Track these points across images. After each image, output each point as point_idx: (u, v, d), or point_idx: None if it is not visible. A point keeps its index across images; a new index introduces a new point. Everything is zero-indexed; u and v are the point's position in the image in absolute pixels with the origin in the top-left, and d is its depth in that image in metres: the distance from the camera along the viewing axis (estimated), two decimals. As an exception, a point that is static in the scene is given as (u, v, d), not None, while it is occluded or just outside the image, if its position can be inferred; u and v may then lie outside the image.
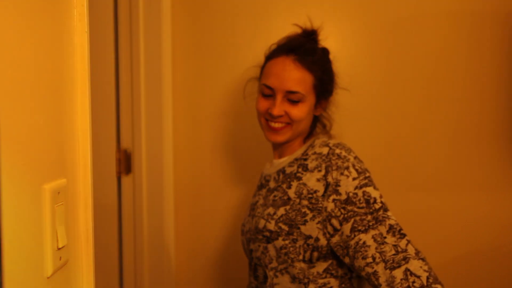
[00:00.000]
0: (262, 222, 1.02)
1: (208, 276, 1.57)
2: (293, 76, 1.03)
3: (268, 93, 1.06)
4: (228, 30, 1.49)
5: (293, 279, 0.99)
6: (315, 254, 0.97)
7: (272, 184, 1.08)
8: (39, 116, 0.56)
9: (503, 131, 1.45)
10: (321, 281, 0.98)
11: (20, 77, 0.51)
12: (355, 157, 1.00)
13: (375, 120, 1.48)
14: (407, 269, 0.83)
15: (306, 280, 0.98)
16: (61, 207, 0.60)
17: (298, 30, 1.14)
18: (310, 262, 0.98)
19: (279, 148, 1.13)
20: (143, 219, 1.43)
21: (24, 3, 0.52)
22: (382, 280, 0.84)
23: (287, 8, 1.47)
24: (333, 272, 0.98)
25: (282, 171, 1.07)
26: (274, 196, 1.04)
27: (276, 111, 1.03)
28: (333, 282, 0.98)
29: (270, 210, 1.02)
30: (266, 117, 1.07)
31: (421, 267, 0.83)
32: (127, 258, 1.45)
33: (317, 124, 1.15)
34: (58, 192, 0.59)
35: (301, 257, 0.97)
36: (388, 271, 0.84)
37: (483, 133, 1.46)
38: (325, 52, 1.13)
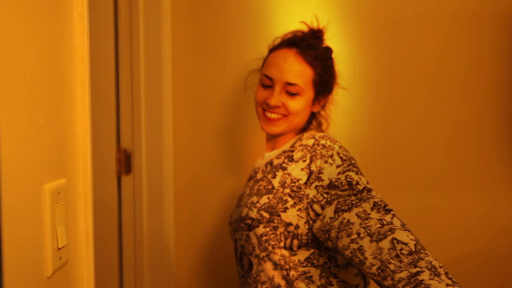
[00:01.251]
0: (245, 211, 1.03)
1: (208, 276, 1.57)
2: (293, 68, 1.04)
3: (267, 83, 1.08)
4: (229, 30, 1.49)
5: (275, 265, 1.00)
6: (295, 241, 0.97)
7: (259, 175, 1.10)
8: (39, 116, 0.56)
9: (503, 131, 1.45)
10: (301, 269, 0.99)
11: (20, 77, 0.51)
12: (340, 146, 1.01)
13: (375, 119, 1.48)
14: (393, 239, 0.81)
15: (287, 267, 0.99)
16: (61, 207, 0.60)
17: (304, 28, 1.15)
18: (291, 249, 0.98)
19: (272, 141, 1.14)
20: (143, 219, 1.43)
21: (24, 3, 0.52)
22: (368, 253, 0.82)
23: (287, 8, 1.47)
24: (314, 261, 0.99)
25: (270, 163, 1.09)
26: (259, 185, 1.06)
27: (273, 101, 1.04)
28: (313, 271, 0.99)
29: (254, 198, 1.03)
30: (264, 107, 1.09)
31: (407, 236, 0.82)
32: (127, 258, 1.45)
33: (313, 121, 1.15)
34: (58, 192, 0.59)
35: (282, 244, 0.98)
36: (374, 243, 0.82)
37: (483, 132, 1.46)
38: (327, 50, 1.14)
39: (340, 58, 1.47)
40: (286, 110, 1.05)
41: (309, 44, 1.08)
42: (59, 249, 0.59)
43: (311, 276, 0.99)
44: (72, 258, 0.64)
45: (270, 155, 1.11)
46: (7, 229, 0.48)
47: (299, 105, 1.05)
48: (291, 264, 0.99)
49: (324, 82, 1.09)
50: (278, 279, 1.00)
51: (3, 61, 0.48)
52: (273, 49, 1.12)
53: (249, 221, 1.01)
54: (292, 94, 1.05)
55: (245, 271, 1.07)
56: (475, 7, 1.43)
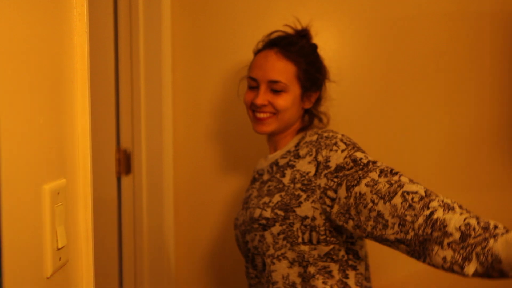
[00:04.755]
0: (257, 211, 1.04)
1: (208, 276, 1.57)
2: (275, 66, 1.07)
3: (253, 85, 1.11)
4: (228, 30, 1.49)
5: (292, 263, 1.00)
6: (314, 234, 0.98)
7: (265, 177, 1.10)
8: (39, 116, 0.56)
9: (503, 131, 1.45)
10: (321, 264, 0.99)
11: (20, 77, 0.51)
12: (343, 135, 1.03)
13: (375, 120, 1.48)
14: (403, 192, 0.82)
15: (305, 263, 0.99)
16: (61, 207, 0.60)
17: (289, 30, 1.17)
18: (311, 243, 0.99)
19: (272, 142, 1.15)
20: (143, 219, 1.43)
21: (24, 3, 0.52)
22: (386, 215, 0.82)
23: (287, 8, 1.47)
24: (333, 256, 1.00)
25: (275, 163, 1.09)
26: (269, 186, 1.07)
27: (259, 100, 1.07)
28: (333, 266, 1.00)
29: (266, 199, 1.04)
30: (253, 108, 1.11)
31: (416, 186, 0.83)
32: (127, 258, 1.45)
33: (314, 119, 1.16)
34: (58, 192, 0.59)
35: (300, 240, 0.99)
36: (388, 203, 0.82)
37: (483, 132, 1.46)
38: (312, 46, 1.15)
39: (340, 58, 1.47)
40: (274, 108, 1.07)
41: (290, 41, 1.10)
42: (59, 249, 0.59)
43: (330, 271, 1.00)
44: (72, 258, 0.64)
45: (273, 156, 1.12)
46: (7, 229, 0.48)
47: (285, 102, 1.06)
48: (311, 260, 0.99)
49: (311, 77, 1.10)
50: (294, 277, 1.00)
51: (3, 61, 0.48)
52: (256, 53, 1.15)
53: (263, 221, 1.02)
54: (277, 92, 1.07)
55: (258, 272, 1.08)
56: (475, 7, 1.43)
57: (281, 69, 1.06)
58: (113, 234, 1.44)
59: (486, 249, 0.67)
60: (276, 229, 1.00)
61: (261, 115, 1.08)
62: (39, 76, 0.56)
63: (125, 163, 1.44)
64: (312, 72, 1.10)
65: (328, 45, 1.41)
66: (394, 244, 0.81)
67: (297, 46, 1.09)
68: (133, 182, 1.44)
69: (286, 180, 1.03)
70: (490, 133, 1.45)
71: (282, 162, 1.07)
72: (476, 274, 0.69)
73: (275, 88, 1.06)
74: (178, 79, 1.51)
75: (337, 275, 1.00)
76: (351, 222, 0.90)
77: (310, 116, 1.15)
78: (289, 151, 1.08)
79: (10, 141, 0.49)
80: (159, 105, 1.43)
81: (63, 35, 0.62)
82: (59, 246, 0.59)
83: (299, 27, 1.17)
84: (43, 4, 0.56)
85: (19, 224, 0.51)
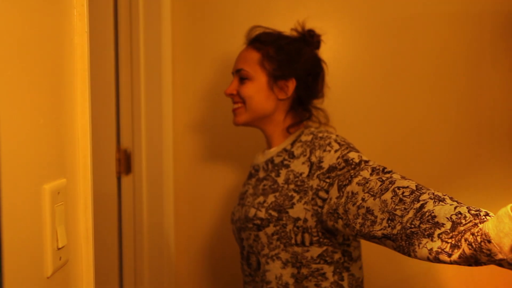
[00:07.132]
0: (252, 211, 1.04)
1: (208, 275, 1.57)
2: (241, 56, 1.12)
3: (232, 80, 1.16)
4: (228, 30, 1.49)
5: (285, 264, 1.00)
6: (307, 236, 0.98)
7: (261, 174, 1.11)
8: (39, 116, 0.56)
9: (504, 131, 1.45)
10: (314, 266, 0.99)
11: (20, 77, 0.51)
12: (337, 135, 1.03)
13: (375, 120, 1.48)
14: (395, 188, 0.80)
15: (298, 265, 0.99)
16: (61, 207, 0.60)
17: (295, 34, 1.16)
18: (304, 245, 0.99)
19: (266, 140, 1.16)
20: (143, 219, 1.44)
21: (24, 3, 0.52)
22: (376, 211, 0.80)
23: (287, 8, 1.47)
24: (327, 258, 0.99)
25: (270, 161, 1.10)
26: (264, 185, 1.07)
27: (227, 90, 1.12)
28: (327, 268, 1.00)
29: (260, 198, 1.05)
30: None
31: (408, 181, 0.81)
32: (127, 258, 1.45)
33: (311, 116, 1.15)
34: (58, 192, 0.59)
35: (293, 241, 0.99)
36: (378, 199, 0.80)
37: (483, 133, 1.46)
38: (286, 36, 1.13)
39: (340, 58, 1.47)
40: (240, 97, 1.10)
41: (260, 35, 1.13)
42: (59, 249, 0.59)
43: (324, 273, 1.00)
44: (72, 258, 0.64)
45: (270, 152, 1.12)
46: (7, 229, 0.48)
47: (248, 89, 1.08)
48: (304, 261, 0.99)
49: (278, 64, 1.07)
50: (287, 278, 1.00)
51: (3, 61, 0.48)
52: None
53: (258, 221, 1.02)
54: (242, 80, 1.10)
55: (253, 270, 1.08)
56: (475, 7, 1.43)
57: (245, 57, 1.11)
58: (113, 233, 1.44)
59: (476, 230, 0.63)
60: (270, 229, 1.01)
61: (234, 106, 1.12)
62: (39, 76, 0.56)
63: (125, 163, 1.44)
64: (279, 59, 1.08)
65: (328, 45, 1.41)
66: (381, 240, 0.79)
67: (264, 35, 1.12)
68: (133, 182, 1.44)
69: (280, 180, 1.03)
70: (490, 133, 1.45)
71: (277, 160, 1.08)
72: (463, 257, 0.65)
73: (241, 76, 1.10)
74: (178, 79, 1.51)
75: (331, 278, 1.00)
76: (340, 222, 0.89)
77: (309, 115, 1.14)
78: (285, 149, 1.08)
79: (10, 141, 0.49)
80: (159, 105, 1.43)
81: (63, 35, 0.62)
82: (59, 246, 0.59)
83: (299, 29, 1.16)
84: (43, 4, 0.56)
85: (19, 224, 0.51)
